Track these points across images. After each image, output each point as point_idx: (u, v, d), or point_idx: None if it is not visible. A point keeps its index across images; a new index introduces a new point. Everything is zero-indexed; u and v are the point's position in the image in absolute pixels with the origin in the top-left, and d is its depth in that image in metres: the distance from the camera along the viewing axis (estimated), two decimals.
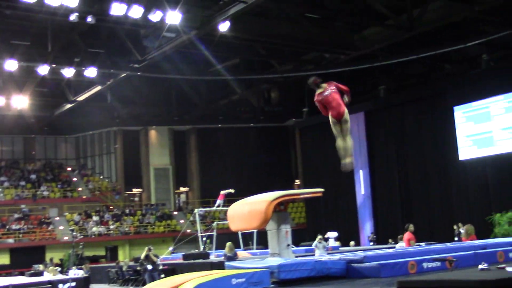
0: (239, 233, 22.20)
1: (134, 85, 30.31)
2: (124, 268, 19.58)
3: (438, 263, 9.72)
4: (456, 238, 20.40)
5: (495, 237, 19.24)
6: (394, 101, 28.11)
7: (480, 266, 5.14)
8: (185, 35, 19.83)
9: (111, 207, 34.60)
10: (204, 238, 23.22)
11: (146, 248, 17.20)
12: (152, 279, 15.50)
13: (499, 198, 23.14)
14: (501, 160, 23.21)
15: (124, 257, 29.65)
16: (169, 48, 21.29)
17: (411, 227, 16.27)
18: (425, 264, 9.86)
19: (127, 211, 34.31)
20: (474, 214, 23.63)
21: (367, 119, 29.38)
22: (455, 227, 22.05)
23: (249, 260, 13.29)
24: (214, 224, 23.28)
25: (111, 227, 32.40)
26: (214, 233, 22.68)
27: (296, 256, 12.60)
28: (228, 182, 34.05)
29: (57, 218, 32.64)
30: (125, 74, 24.39)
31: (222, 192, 22.66)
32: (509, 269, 4.81)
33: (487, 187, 23.88)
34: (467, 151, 24.48)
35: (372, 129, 29.32)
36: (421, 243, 16.88)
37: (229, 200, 15.60)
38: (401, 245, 16.41)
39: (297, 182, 35.83)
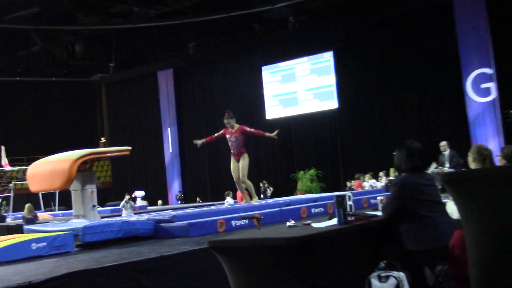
0: (40, 194, 21.15)
1: None
2: None
3: (246, 221, 9.77)
4: (262, 196, 21.06)
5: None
6: (204, 58, 28.07)
7: (288, 223, 5.17)
8: None
9: None
10: (0, 200, 21.88)
11: None
12: None
13: (302, 156, 24.27)
14: (304, 119, 24.29)
15: None
16: None
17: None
18: (233, 222, 9.86)
19: None
20: (280, 172, 24.60)
21: (176, 76, 29.07)
22: (261, 184, 22.77)
23: (51, 223, 12.51)
24: (11, 185, 22.04)
25: None
26: (11, 194, 21.43)
27: (102, 217, 12.08)
28: (28, 139, 32.07)
29: None
30: None
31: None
32: (314, 224, 4.91)
33: (291, 146, 24.90)
34: (273, 110, 25.28)
35: (181, 86, 29.10)
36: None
37: (30, 159, 14.56)
38: (229, 201, 16.63)
39: (103, 139, 34.71)
